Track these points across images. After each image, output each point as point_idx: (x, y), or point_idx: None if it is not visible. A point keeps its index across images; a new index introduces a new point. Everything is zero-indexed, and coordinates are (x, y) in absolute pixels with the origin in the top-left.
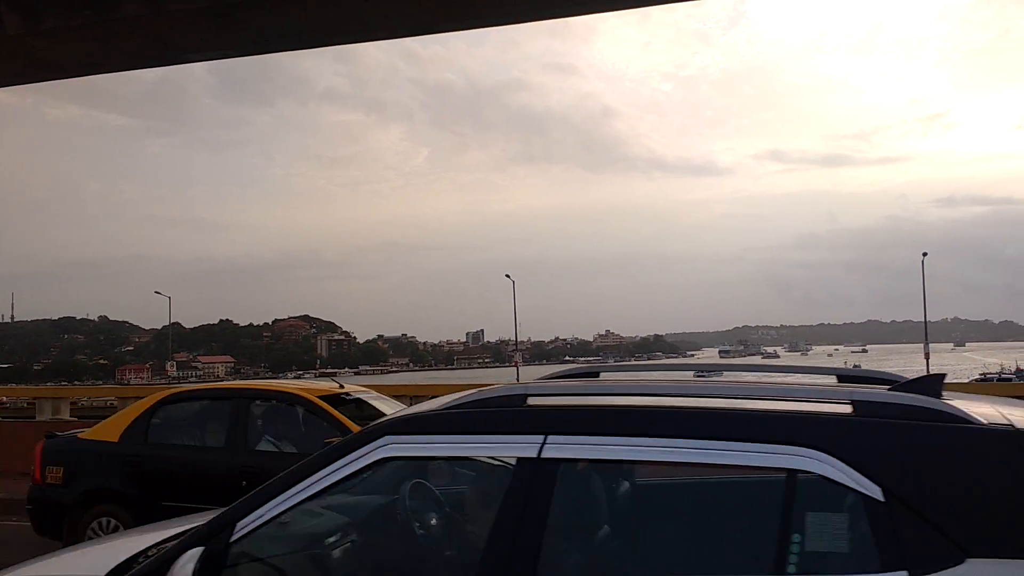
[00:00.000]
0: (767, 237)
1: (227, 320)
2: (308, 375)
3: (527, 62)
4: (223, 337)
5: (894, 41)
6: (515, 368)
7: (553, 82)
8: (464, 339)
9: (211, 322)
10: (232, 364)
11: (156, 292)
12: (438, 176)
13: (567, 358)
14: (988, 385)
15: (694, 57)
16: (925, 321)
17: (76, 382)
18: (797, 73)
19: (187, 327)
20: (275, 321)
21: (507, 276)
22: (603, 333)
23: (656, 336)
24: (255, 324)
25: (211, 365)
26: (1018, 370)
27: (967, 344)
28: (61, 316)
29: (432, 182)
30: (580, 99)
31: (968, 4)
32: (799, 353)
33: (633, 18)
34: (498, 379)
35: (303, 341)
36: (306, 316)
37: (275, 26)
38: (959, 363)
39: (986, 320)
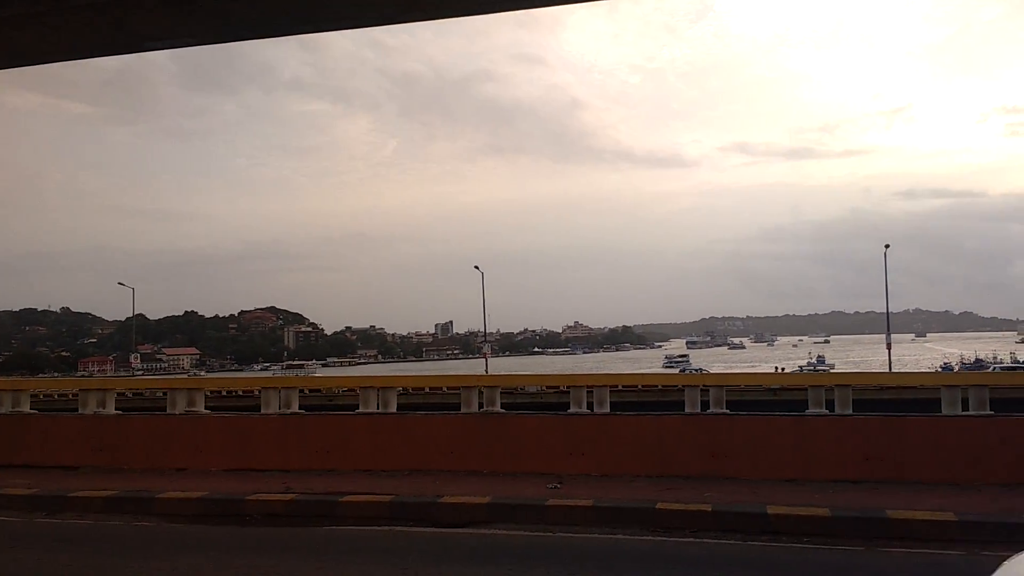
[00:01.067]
0: (733, 229)
1: (192, 312)
2: (275, 367)
3: (495, 53)
4: (188, 329)
5: (858, 36)
6: (484, 360)
7: (521, 73)
8: (433, 331)
9: (176, 314)
10: (197, 356)
11: (120, 283)
12: (406, 167)
13: (536, 349)
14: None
15: (662, 50)
16: (887, 312)
17: (40, 375)
18: (763, 66)
19: (151, 319)
20: (241, 313)
21: (476, 268)
22: (572, 324)
23: (624, 327)
24: (221, 316)
25: (176, 357)
26: (977, 360)
27: (928, 335)
28: (22, 308)
29: (400, 173)
30: (548, 90)
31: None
32: (765, 344)
33: (601, 10)
34: (468, 370)
35: (270, 333)
36: (273, 308)
37: (240, 14)
38: (920, 353)
39: (946, 311)
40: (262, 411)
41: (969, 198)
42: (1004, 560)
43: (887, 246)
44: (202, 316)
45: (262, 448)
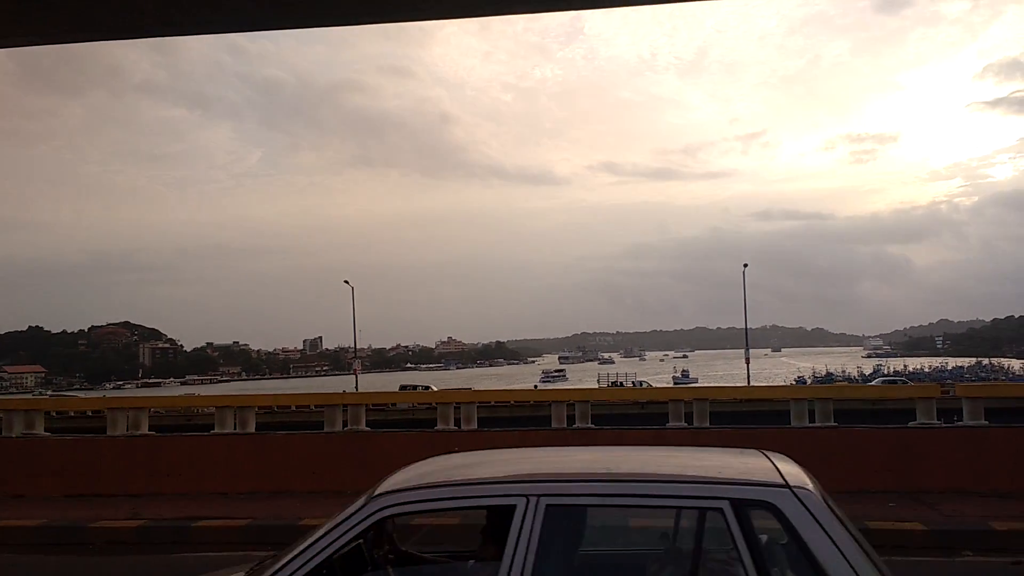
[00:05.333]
0: (602, 246)
1: (37, 327)
2: (129, 385)
3: (362, 63)
4: (32, 345)
5: (718, 64)
6: (355, 376)
7: (389, 85)
8: (301, 347)
9: (18, 329)
10: (43, 374)
11: None
12: (272, 178)
13: (409, 365)
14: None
15: (534, 69)
16: (746, 328)
17: None
18: (630, 89)
19: None
20: (92, 328)
21: (346, 282)
22: (445, 340)
23: (498, 343)
24: (69, 331)
25: (18, 375)
26: (827, 374)
27: (783, 350)
28: None
29: (266, 184)
30: (418, 104)
31: (783, 31)
32: (636, 359)
33: (473, 26)
34: (337, 387)
35: (124, 349)
36: (127, 323)
37: (90, 13)
38: (776, 368)
39: (800, 327)
40: (108, 433)
41: (818, 220)
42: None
43: (745, 265)
44: (48, 331)
45: (108, 472)
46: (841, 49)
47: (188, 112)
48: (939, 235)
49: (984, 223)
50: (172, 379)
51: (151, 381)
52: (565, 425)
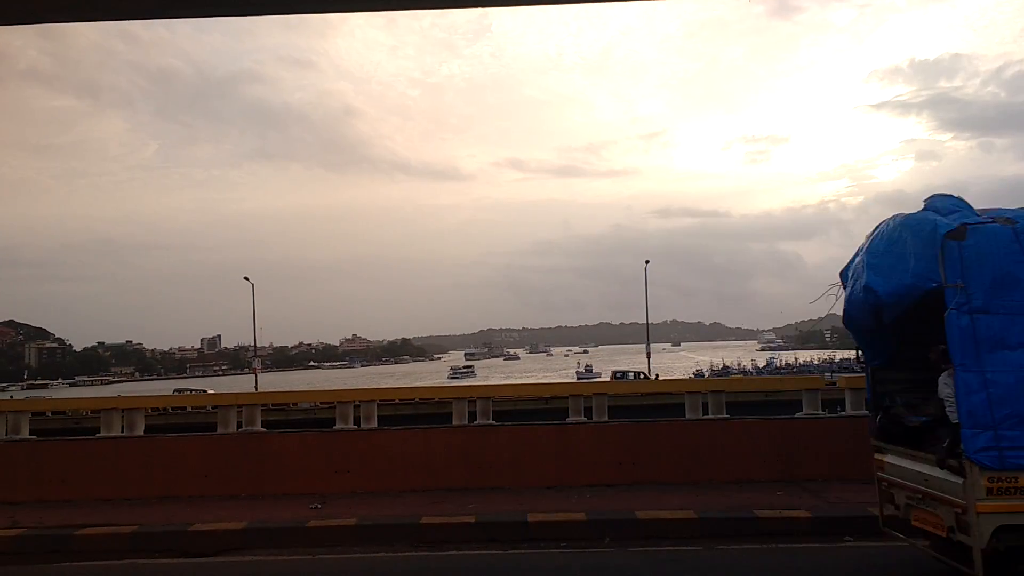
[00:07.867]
0: (507, 243)
1: None
2: (14, 388)
3: (261, 53)
4: None
5: (621, 65)
6: (254, 375)
7: (291, 77)
8: (199, 345)
9: None
10: None
11: None
12: (169, 171)
13: (312, 364)
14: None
15: (441, 66)
16: (647, 324)
17: None
18: (536, 87)
19: None
20: None
21: (246, 279)
22: (350, 337)
23: (404, 340)
24: None
25: None
26: (724, 367)
27: (683, 344)
28: None
29: (162, 177)
30: (320, 96)
31: (682, 35)
32: (543, 355)
33: (379, 20)
34: (233, 387)
35: (8, 349)
36: (11, 321)
37: None
38: (676, 361)
39: (699, 322)
40: None
41: (715, 218)
42: None
43: (647, 262)
44: None
45: None
46: (737, 53)
47: (77, 101)
48: (828, 233)
49: (869, 221)
50: (60, 380)
51: (37, 383)
52: (466, 422)
